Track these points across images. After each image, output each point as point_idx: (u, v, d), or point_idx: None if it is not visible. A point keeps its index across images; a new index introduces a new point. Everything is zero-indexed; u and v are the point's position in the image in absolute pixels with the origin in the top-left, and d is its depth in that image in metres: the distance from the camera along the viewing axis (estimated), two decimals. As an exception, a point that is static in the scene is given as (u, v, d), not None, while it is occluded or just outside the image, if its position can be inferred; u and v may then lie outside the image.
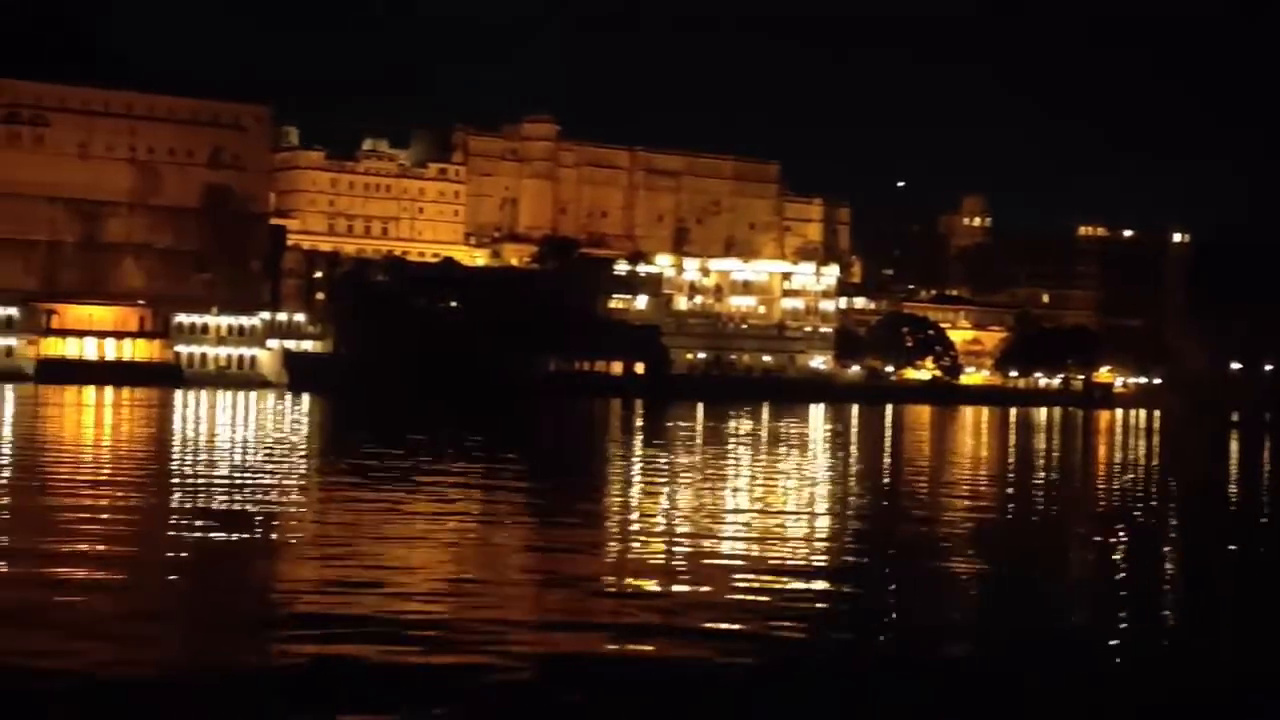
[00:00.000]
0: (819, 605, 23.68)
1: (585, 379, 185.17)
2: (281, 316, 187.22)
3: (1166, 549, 34.92)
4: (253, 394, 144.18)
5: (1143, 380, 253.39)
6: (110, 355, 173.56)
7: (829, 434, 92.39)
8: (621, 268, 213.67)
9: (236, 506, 35.59)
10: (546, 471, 54.59)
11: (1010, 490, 51.47)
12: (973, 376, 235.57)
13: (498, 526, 34.23)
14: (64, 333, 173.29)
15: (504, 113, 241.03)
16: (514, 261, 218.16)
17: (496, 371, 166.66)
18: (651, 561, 28.54)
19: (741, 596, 24.10)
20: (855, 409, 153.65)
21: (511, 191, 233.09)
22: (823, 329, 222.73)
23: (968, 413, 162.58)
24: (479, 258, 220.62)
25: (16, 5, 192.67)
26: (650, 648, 19.72)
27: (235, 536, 29.97)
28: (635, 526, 35.09)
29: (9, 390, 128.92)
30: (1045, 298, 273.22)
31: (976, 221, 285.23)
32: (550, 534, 32.30)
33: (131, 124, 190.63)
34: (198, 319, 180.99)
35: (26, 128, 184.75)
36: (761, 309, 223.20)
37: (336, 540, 29.84)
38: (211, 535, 30.01)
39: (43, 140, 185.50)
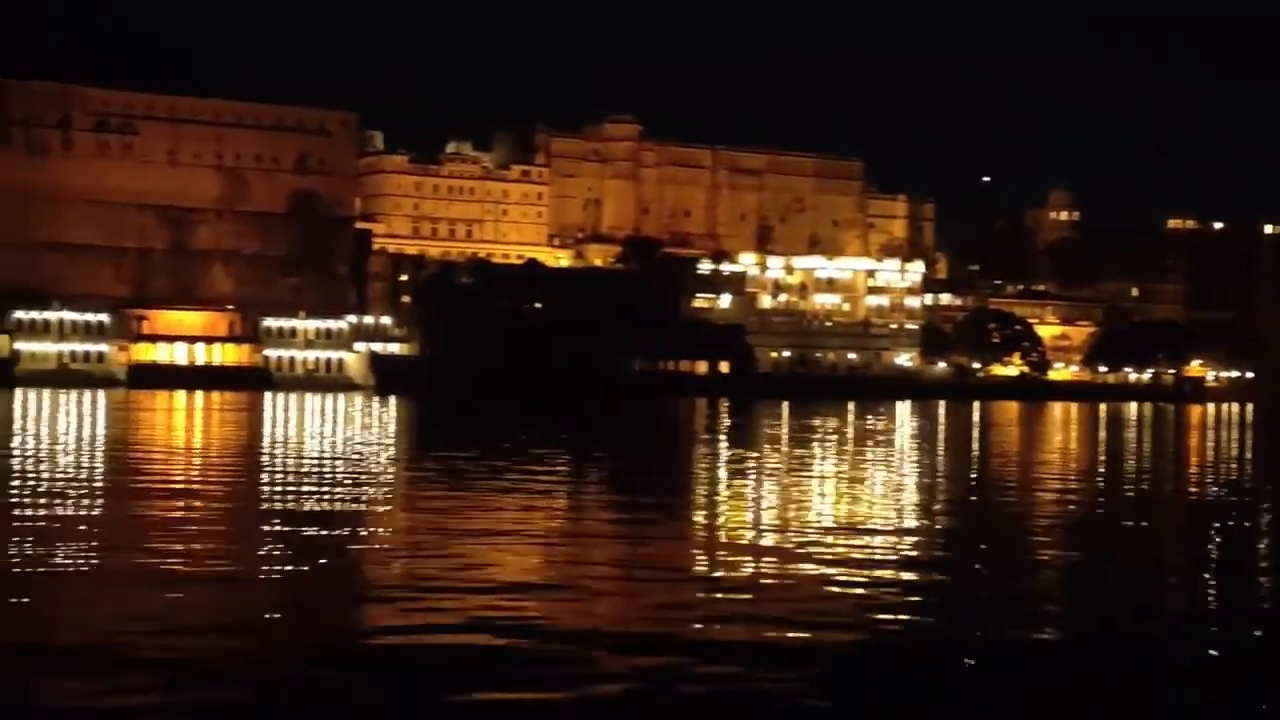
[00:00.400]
0: (913, 598, 23.54)
1: (669, 379, 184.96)
2: (368, 320, 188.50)
3: (1262, 543, 34.37)
4: (340, 397, 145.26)
5: (1234, 374, 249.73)
6: (200, 360, 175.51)
7: (916, 431, 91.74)
8: (705, 267, 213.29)
9: (327, 507, 35.82)
10: (632, 471, 54.53)
11: (1102, 484, 50.85)
12: (1061, 372, 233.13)
13: (584, 525, 34.23)
14: (154, 338, 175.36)
15: (586, 114, 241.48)
16: (597, 262, 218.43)
17: (581, 372, 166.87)
18: (740, 559, 28.40)
19: (832, 588, 23.96)
20: (942, 406, 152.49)
21: (594, 192, 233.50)
22: (908, 326, 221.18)
23: (1056, 409, 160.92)
24: (562, 259, 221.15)
25: (104, 16, 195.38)
26: (743, 637, 19.65)
27: (327, 535, 30.16)
28: (722, 524, 34.97)
29: (101, 395, 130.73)
30: (1134, 292, 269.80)
31: (1064, 216, 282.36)
32: (638, 532, 32.25)
33: (218, 131, 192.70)
34: (285, 323, 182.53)
35: (115, 136, 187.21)
36: (846, 306, 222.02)
37: (425, 540, 29.93)
38: (304, 535, 30.21)
39: (131, 148, 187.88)
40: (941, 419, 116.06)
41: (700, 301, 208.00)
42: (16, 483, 41.09)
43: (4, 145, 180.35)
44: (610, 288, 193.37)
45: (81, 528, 31.06)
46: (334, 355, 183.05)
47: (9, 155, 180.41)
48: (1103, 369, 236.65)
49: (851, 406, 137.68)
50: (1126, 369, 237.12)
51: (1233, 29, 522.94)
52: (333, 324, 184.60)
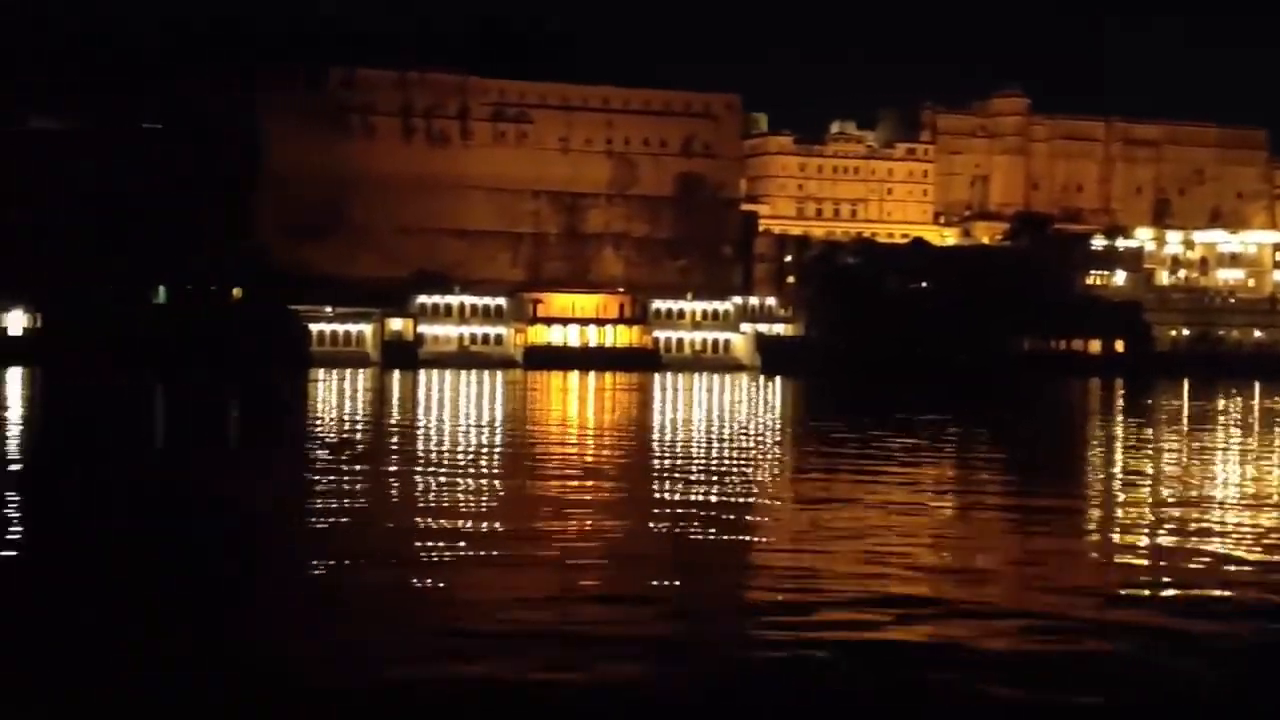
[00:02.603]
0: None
1: (1062, 358, 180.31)
2: (754, 301, 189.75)
3: None
4: (727, 377, 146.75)
5: None
6: (592, 342, 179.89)
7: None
8: (1098, 243, 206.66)
9: (716, 489, 36.03)
10: (1024, 452, 53.20)
11: None
12: None
13: (976, 504, 33.51)
14: (549, 320, 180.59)
15: (972, 89, 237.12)
16: (985, 240, 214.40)
17: (969, 352, 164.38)
18: (1138, 541, 27.28)
19: (1231, 568, 22.76)
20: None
21: (982, 169, 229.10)
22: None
23: None
24: (949, 237, 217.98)
25: (498, 8, 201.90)
26: (1142, 620, 18.83)
27: (715, 518, 30.30)
28: (1119, 505, 33.73)
29: (499, 376, 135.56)
30: None
31: None
32: (1030, 516, 31.37)
33: (609, 117, 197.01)
34: (674, 305, 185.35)
35: (511, 125, 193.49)
36: (1251, 282, 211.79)
37: (813, 522, 29.78)
38: (694, 516, 30.42)
39: (526, 136, 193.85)
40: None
41: (1094, 279, 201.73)
42: (421, 460, 42.79)
43: (408, 136, 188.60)
44: (999, 266, 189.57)
45: (484, 506, 32.03)
46: (720, 336, 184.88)
47: (413, 146, 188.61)
48: None
49: (1257, 387, 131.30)
50: None
51: None
52: (719, 305, 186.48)
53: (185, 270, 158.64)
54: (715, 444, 51.82)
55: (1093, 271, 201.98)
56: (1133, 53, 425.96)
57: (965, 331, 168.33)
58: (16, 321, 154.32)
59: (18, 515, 29.84)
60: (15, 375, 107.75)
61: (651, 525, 28.83)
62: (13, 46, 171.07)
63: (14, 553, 24.81)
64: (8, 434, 52.03)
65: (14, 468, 39.65)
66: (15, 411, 67.88)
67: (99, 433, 55.29)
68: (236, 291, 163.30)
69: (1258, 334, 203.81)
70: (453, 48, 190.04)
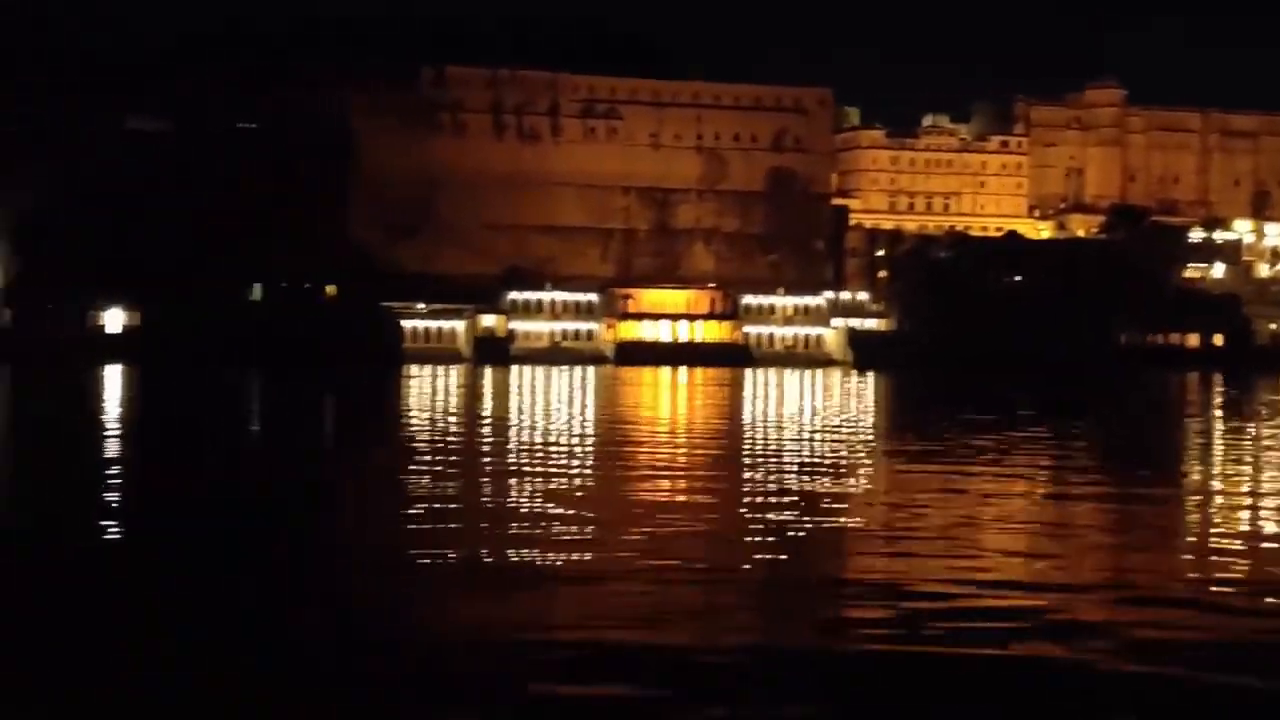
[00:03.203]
0: None
1: (1159, 351, 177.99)
2: (845, 295, 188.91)
3: None
4: (818, 373, 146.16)
5: None
6: (683, 337, 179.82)
7: None
8: (1196, 235, 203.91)
9: (809, 483, 35.83)
10: (1120, 447, 52.51)
11: None
12: None
13: (1070, 503, 33.08)
14: (639, 316, 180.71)
15: (1066, 81, 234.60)
16: (1080, 233, 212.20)
17: (1065, 345, 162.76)
18: (1230, 542, 26.79)
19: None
20: None
21: (1076, 161, 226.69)
22: None
23: None
24: (1043, 230, 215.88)
25: (592, 7, 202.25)
26: (1239, 604, 18.47)
27: (808, 513, 30.13)
28: (1216, 503, 33.16)
29: (590, 372, 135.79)
30: None
31: None
32: (1124, 511, 30.93)
33: (698, 113, 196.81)
34: (764, 300, 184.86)
35: (601, 121, 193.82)
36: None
37: (907, 517, 29.53)
38: (786, 512, 30.26)
39: (616, 132, 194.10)
40: None
41: (1191, 271, 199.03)
42: (513, 456, 42.91)
43: (499, 133, 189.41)
44: (1095, 258, 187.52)
45: (575, 503, 32.03)
46: (812, 331, 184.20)
47: (504, 142, 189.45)
48: None
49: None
50: None
51: None
52: (810, 300, 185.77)
53: (280, 268, 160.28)
54: (808, 439, 51.55)
55: (1190, 264, 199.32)
56: (1229, 40, 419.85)
57: (1060, 326, 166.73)
58: (116, 320, 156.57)
59: (117, 509, 30.22)
60: (115, 373, 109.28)
61: (744, 521, 28.69)
62: (111, 48, 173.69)
63: (117, 541, 25.10)
64: (107, 430, 52.73)
65: (113, 466, 40.16)
66: (114, 408, 68.83)
67: (196, 429, 55.92)
68: (330, 289, 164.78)
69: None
70: (543, 44, 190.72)
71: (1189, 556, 25.10)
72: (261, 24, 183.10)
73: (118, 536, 26.58)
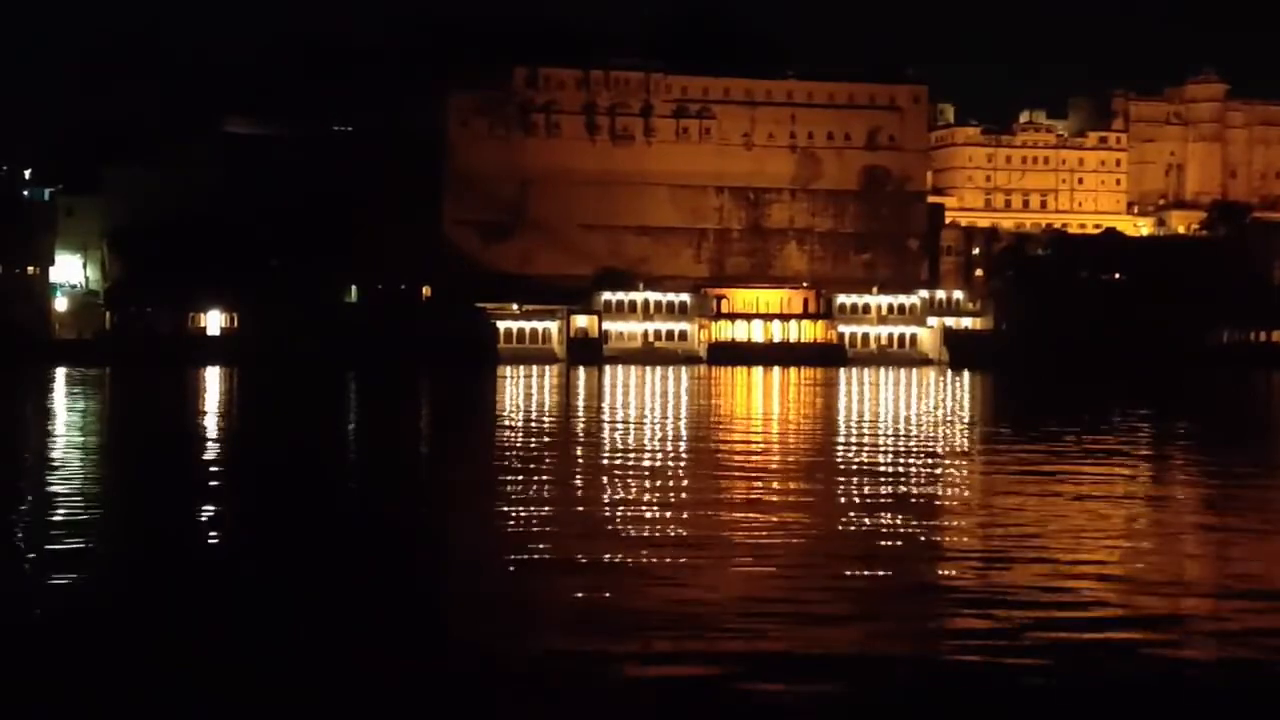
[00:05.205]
0: None
1: (1262, 349, 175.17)
2: (940, 294, 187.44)
3: None
4: (914, 372, 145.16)
5: None
6: (776, 337, 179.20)
7: None
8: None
9: (907, 487, 35.47)
10: (1220, 446, 51.56)
11: None
12: None
13: (1169, 502, 32.50)
14: (732, 316, 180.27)
15: (1166, 74, 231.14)
16: (1180, 229, 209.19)
17: (1167, 345, 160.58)
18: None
19: None
20: None
21: (1177, 157, 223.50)
22: None
23: None
24: (1143, 227, 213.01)
25: (688, 7, 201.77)
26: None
27: (907, 516, 29.80)
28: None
29: (684, 372, 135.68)
30: None
31: None
32: (1223, 514, 30.30)
33: (791, 111, 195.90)
34: (859, 299, 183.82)
35: (695, 121, 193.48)
36: None
37: (1006, 511, 29.11)
38: (883, 514, 29.95)
39: (709, 132, 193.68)
40: None
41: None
42: (608, 457, 42.83)
43: (592, 134, 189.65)
44: (1196, 256, 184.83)
45: (671, 503, 31.86)
46: (907, 330, 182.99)
47: (598, 143, 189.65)
48: None
49: None
50: None
51: None
52: (905, 299, 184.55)
53: (376, 270, 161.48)
54: (905, 439, 51.07)
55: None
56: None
57: (1161, 324, 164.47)
58: (215, 321, 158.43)
59: (218, 512, 30.48)
60: (213, 374, 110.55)
61: (840, 524, 28.42)
62: (210, 50, 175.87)
63: (218, 546, 25.30)
64: (207, 432, 53.27)
65: (214, 467, 40.52)
66: (213, 409, 69.59)
67: (295, 430, 56.33)
68: (426, 290, 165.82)
69: None
70: (636, 44, 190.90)
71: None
72: (356, 26, 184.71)
73: (219, 542, 26.75)
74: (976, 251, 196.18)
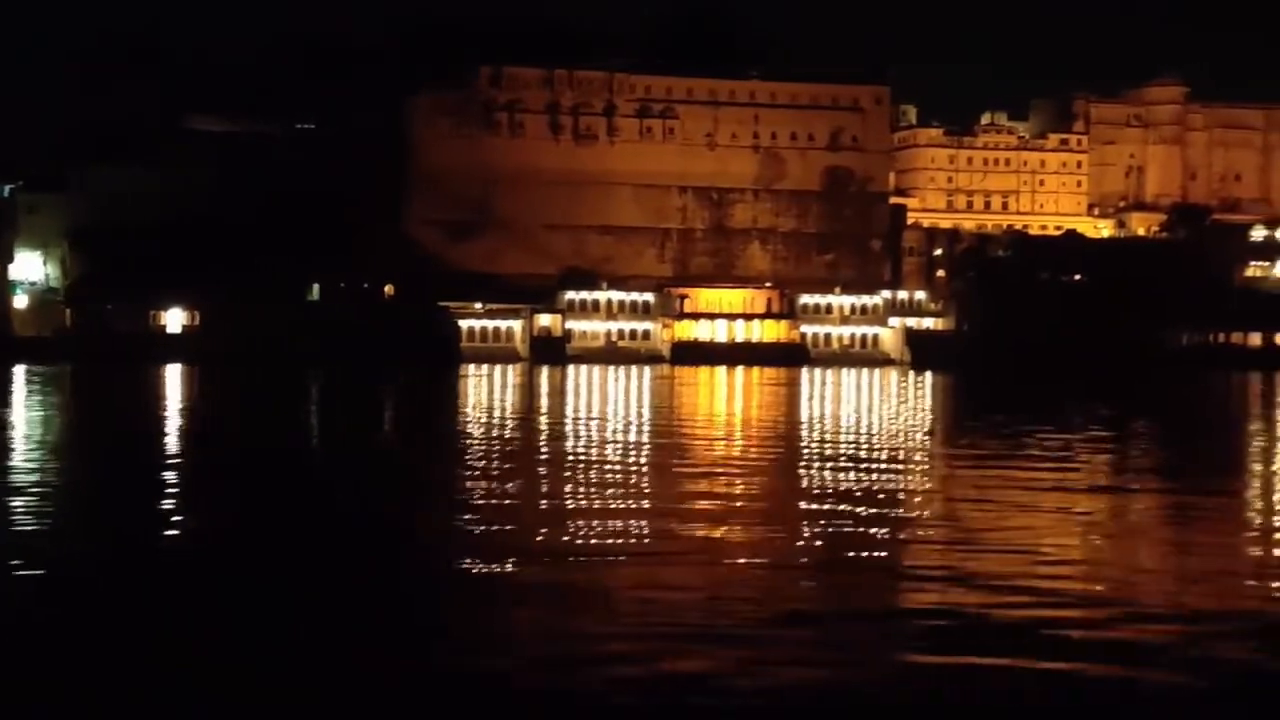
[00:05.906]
0: None
1: (1221, 351, 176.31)
2: (902, 295, 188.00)
3: None
4: (876, 372, 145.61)
5: None
6: (739, 337, 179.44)
7: None
8: (1258, 233, 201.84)
9: (868, 486, 35.62)
10: (1178, 447, 51.95)
11: None
12: None
13: (1129, 500, 32.75)
14: (696, 316, 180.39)
15: (1127, 77, 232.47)
16: (1140, 231, 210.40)
17: (1125, 345, 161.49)
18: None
19: None
20: None
21: (1137, 159, 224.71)
22: None
23: None
24: (1103, 229, 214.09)
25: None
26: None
27: (868, 517, 29.94)
28: (1275, 500, 32.79)
29: (646, 371, 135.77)
30: None
31: None
32: (1186, 509, 30.56)
33: (754, 112, 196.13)
34: (821, 299, 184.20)
35: (658, 120, 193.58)
36: None
37: (964, 511, 29.30)
38: (844, 515, 30.10)
39: (673, 132, 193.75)
40: None
41: (1254, 270, 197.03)
42: (570, 455, 42.87)
43: (556, 133, 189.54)
44: (1156, 257, 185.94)
45: (632, 502, 31.94)
46: (869, 331, 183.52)
47: (562, 142, 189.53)
48: None
49: None
50: None
51: None
52: (868, 300, 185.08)
53: (338, 268, 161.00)
54: (867, 439, 51.27)
55: (1252, 263, 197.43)
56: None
57: (1121, 325, 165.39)
58: (176, 319, 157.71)
59: (176, 507, 30.40)
60: (174, 372, 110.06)
61: (802, 524, 28.55)
62: (172, 48, 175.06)
63: (174, 538, 25.23)
64: (167, 429, 53.06)
65: (171, 462, 40.39)
66: (173, 407, 69.30)
67: (252, 428, 56.18)
68: (388, 289, 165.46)
69: None
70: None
71: (1251, 563, 24.80)
72: (320, 26, 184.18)
73: (177, 537, 26.70)
74: (938, 252, 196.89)
